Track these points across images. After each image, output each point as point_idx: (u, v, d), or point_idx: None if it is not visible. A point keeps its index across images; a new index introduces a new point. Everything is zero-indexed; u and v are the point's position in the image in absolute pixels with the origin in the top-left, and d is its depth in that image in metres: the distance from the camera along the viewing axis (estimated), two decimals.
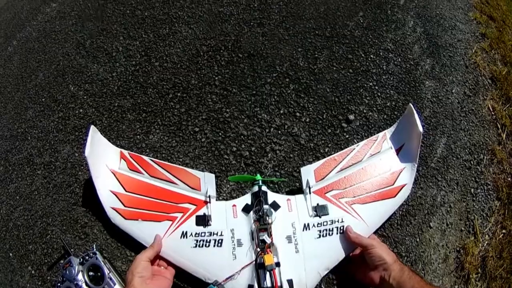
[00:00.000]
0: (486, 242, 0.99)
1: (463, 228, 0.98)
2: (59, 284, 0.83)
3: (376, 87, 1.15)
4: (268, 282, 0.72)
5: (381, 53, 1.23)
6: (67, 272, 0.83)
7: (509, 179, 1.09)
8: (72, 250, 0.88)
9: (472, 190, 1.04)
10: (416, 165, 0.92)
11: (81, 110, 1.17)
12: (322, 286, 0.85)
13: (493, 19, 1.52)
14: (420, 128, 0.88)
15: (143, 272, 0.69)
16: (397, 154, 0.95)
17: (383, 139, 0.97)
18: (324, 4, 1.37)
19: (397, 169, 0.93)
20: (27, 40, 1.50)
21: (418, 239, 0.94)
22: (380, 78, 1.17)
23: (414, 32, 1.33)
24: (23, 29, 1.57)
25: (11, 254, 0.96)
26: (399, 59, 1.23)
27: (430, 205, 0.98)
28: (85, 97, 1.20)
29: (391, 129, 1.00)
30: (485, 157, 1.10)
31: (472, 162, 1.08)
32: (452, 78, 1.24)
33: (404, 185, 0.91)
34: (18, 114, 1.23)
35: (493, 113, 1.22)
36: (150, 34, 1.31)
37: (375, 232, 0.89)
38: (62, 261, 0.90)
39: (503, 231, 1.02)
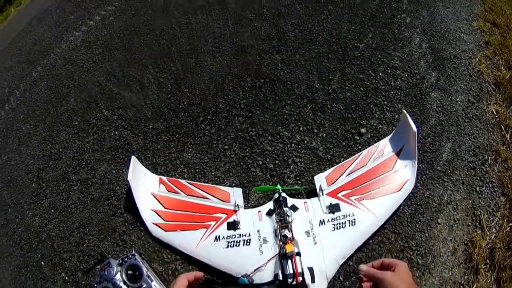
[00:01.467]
0: (494, 235, 1.25)
1: (470, 223, 1.27)
2: (96, 285, 1.08)
3: (385, 102, 1.52)
4: (290, 269, 1.02)
5: (389, 71, 1.61)
6: (106, 272, 1.08)
7: None
8: (109, 255, 1.16)
9: (478, 188, 1.34)
10: (416, 162, 1.25)
11: (116, 132, 1.56)
12: (341, 278, 1.17)
13: (497, 26, 1.86)
14: (414, 128, 1.22)
15: None
16: (398, 155, 1.29)
17: (385, 145, 1.33)
18: (335, 29, 1.77)
19: (399, 167, 1.27)
20: (53, 67, 1.91)
21: (427, 234, 1.23)
22: (389, 93, 1.54)
23: (420, 48, 1.70)
24: (47, 56, 1.97)
25: (43, 263, 1.27)
26: (406, 75, 1.60)
27: (437, 203, 1.30)
28: (119, 120, 1.59)
29: (391, 135, 1.35)
30: (489, 157, 1.41)
31: (476, 163, 1.40)
32: (457, 88, 1.59)
33: (407, 180, 1.24)
34: (50, 136, 1.62)
35: (496, 116, 1.53)
36: (178, 66, 1.72)
37: (385, 226, 1.20)
38: (99, 265, 1.16)
39: (510, 224, 1.27)
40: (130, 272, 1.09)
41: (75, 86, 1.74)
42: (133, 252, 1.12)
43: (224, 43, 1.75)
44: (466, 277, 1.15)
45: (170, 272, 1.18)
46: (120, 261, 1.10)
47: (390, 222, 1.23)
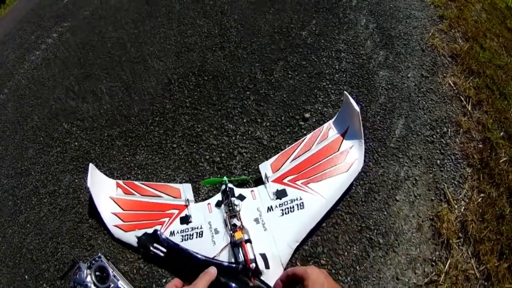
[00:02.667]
0: (463, 207, 1.25)
1: (433, 198, 1.27)
2: None
3: (330, 86, 1.55)
4: (241, 256, 1.05)
5: (333, 55, 1.64)
6: (77, 276, 1.15)
7: (480, 146, 1.38)
8: (80, 261, 1.22)
9: (438, 161, 1.34)
10: (363, 141, 1.27)
11: (76, 143, 1.64)
12: (298, 263, 1.18)
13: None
14: (357, 108, 1.24)
15: None
16: (344, 136, 1.31)
17: (328, 128, 1.36)
18: (278, 20, 1.83)
19: (346, 148, 1.29)
20: (18, 88, 2.02)
21: (385, 213, 1.24)
22: (333, 77, 1.57)
23: (366, 29, 1.73)
24: (12, 78, 2.09)
25: (26, 277, 1.33)
26: (351, 57, 1.63)
27: (393, 180, 1.30)
28: (78, 132, 1.68)
29: (334, 118, 1.38)
30: (449, 129, 1.42)
31: (435, 137, 1.41)
32: (408, 64, 1.61)
33: (355, 160, 1.26)
34: (19, 154, 1.71)
35: (454, 88, 1.54)
36: (128, 74, 1.80)
37: (335, 208, 1.22)
38: (72, 270, 1.23)
39: (482, 195, 1.27)
40: (98, 273, 1.15)
41: (38, 104, 1.84)
42: (99, 254, 1.18)
43: (170, 45, 1.83)
44: (437, 253, 1.15)
45: (135, 271, 1.23)
46: (89, 264, 1.17)
47: (343, 203, 1.25)
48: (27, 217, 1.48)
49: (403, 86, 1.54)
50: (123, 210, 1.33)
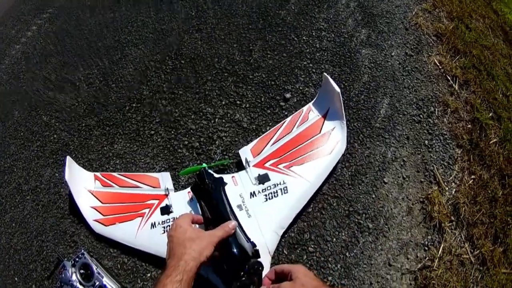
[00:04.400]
0: (454, 189, 1.19)
1: (422, 179, 1.21)
2: None
3: (311, 65, 1.45)
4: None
5: (313, 33, 1.54)
6: (63, 275, 1.07)
7: (469, 126, 1.33)
8: (65, 258, 1.14)
9: (426, 142, 1.27)
10: (344, 122, 1.20)
11: (55, 136, 1.53)
12: (285, 251, 1.11)
13: None
14: (337, 88, 1.16)
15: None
16: (325, 118, 1.23)
17: (309, 110, 1.27)
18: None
19: (327, 129, 1.21)
20: None
21: (373, 196, 1.17)
22: (314, 56, 1.48)
23: (347, 8, 1.63)
24: None
25: (16, 279, 1.24)
26: (333, 35, 1.53)
27: (380, 162, 1.23)
28: (57, 123, 1.57)
29: (314, 100, 1.29)
30: (436, 109, 1.35)
31: (421, 116, 1.33)
32: (391, 42, 1.52)
33: (338, 141, 1.18)
34: (2, 151, 1.60)
35: (440, 67, 1.48)
36: (105, 61, 1.69)
37: (320, 191, 1.15)
38: (57, 269, 1.15)
39: (472, 176, 1.22)
40: (82, 271, 1.08)
41: (18, 99, 1.73)
42: (82, 251, 1.10)
43: (147, 31, 1.72)
44: (429, 237, 1.09)
45: (119, 266, 1.14)
46: (73, 261, 1.09)
47: (329, 187, 1.16)
48: (12, 216, 1.38)
49: (387, 65, 1.45)
50: (102, 203, 1.23)
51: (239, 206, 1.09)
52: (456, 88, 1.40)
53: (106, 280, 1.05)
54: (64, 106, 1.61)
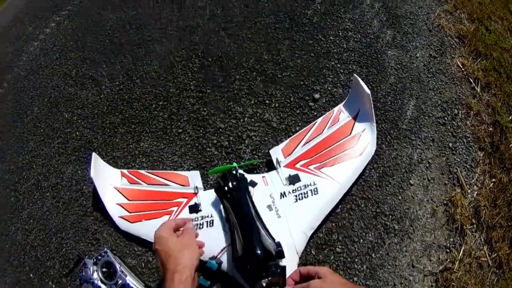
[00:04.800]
0: (476, 192, 1.19)
1: (446, 182, 1.21)
2: None
3: (339, 65, 1.45)
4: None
5: (340, 34, 1.53)
6: (84, 273, 1.05)
7: (491, 129, 1.33)
8: (86, 256, 1.13)
9: (450, 144, 1.27)
10: (374, 124, 1.19)
11: (77, 133, 1.51)
12: (313, 251, 1.11)
13: None
14: (367, 90, 1.15)
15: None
16: (355, 120, 1.23)
17: (339, 112, 1.26)
18: None
19: (358, 131, 1.20)
20: (17, 80, 1.87)
21: (400, 197, 1.17)
22: (342, 56, 1.47)
23: (372, 8, 1.63)
24: (11, 71, 1.95)
25: (31, 275, 1.23)
26: (359, 36, 1.52)
27: (407, 163, 1.22)
28: (79, 120, 1.54)
29: (345, 101, 1.29)
30: (460, 111, 1.35)
31: (446, 118, 1.33)
32: (416, 44, 1.52)
33: (368, 143, 1.18)
34: (20, 147, 1.57)
35: (463, 69, 1.47)
36: (128, 57, 1.67)
37: (349, 193, 1.15)
38: (77, 267, 1.13)
39: (493, 180, 1.22)
40: (105, 269, 1.05)
41: (37, 95, 1.71)
42: (105, 249, 1.07)
43: (171, 28, 1.70)
44: (451, 239, 1.09)
45: (143, 264, 1.13)
46: (95, 259, 1.06)
47: (357, 188, 1.15)
48: (30, 213, 1.35)
49: (412, 66, 1.44)
50: (129, 200, 1.21)
51: (269, 207, 1.08)
52: (478, 90, 1.39)
53: (129, 279, 1.02)
54: (86, 103, 1.58)
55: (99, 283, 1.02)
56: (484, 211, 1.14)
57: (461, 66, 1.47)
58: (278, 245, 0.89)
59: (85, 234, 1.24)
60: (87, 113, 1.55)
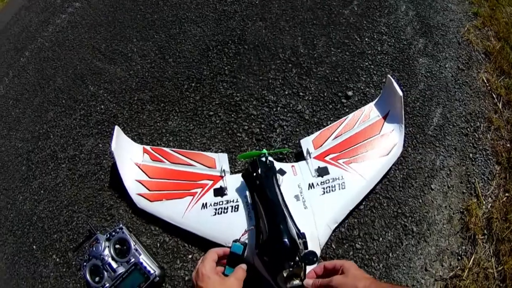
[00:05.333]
0: (490, 204, 1.21)
1: (464, 191, 1.22)
2: (85, 263, 1.00)
3: (372, 66, 1.46)
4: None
5: (375, 36, 1.55)
6: (94, 249, 1.02)
7: (508, 145, 1.34)
8: (98, 231, 1.11)
9: (471, 155, 1.29)
10: (403, 126, 1.20)
11: (102, 107, 1.49)
12: (333, 245, 1.11)
13: None
14: (400, 92, 1.16)
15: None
16: (385, 119, 1.24)
17: (370, 110, 1.27)
18: None
19: (387, 131, 1.21)
20: (40, 50, 1.85)
21: (421, 200, 1.18)
22: (375, 58, 1.48)
23: (406, 15, 1.65)
24: (34, 41, 1.92)
25: (34, 247, 1.21)
26: (393, 40, 1.54)
27: (430, 168, 1.24)
28: (105, 94, 1.53)
29: (376, 100, 1.30)
30: (482, 124, 1.37)
31: (469, 129, 1.35)
32: (445, 55, 1.54)
33: (395, 144, 1.19)
34: (38, 117, 1.55)
35: (487, 84, 1.49)
36: (161, 35, 1.66)
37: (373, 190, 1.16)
38: (88, 242, 1.12)
39: (506, 194, 1.23)
40: (118, 246, 1.03)
41: (61, 66, 1.68)
42: (121, 225, 1.05)
43: (208, 10, 1.69)
44: (463, 247, 1.10)
45: (158, 244, 1.11)
46: (108, 235, 1.04)
47: (382, 187, 1.17)
48: (42, 183, 1.33)
49: (441, 76, 1.46)
50: (149, 177, 1.18)
51: (296, 196, 1.07)
52: (500, 107, 1.41)
53: (143, 258, 1.00)
54: (114, 78, 1.57)
55: (110, 260, 1.00)
56: (495, 224, 1.15)
57: (485, 81, 1.49)
58: (303, 236, 0.89)
59: (100, 209, 1.21)
60: (114, 88, 1.53)
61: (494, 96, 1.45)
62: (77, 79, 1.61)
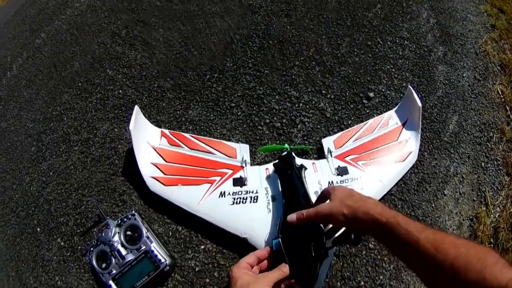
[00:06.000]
0: (498, 214, 1.23)
1: (475, 198, 1.24)
2: (92, 249, 0.97)
3: (393, 70, 1.47)
4: None
5: (397, 41, 1.57)
6: (103, 234, 1.00)
7: None
8: (108, 217, 1.09)
9: (483, 164, 1.31)
10: (419, 135, 1.22)
11: (120, 91, 1.48)
12: (346, 244, 1.10)
13: (503, 12, 1.85)
14: (419, 103, 1.19)
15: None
16: (403, 127, 1.26)
17: (389, 117, 1.29)
18: None
19: (404, 139, 1.23)
20: (57, 33, 1.83)
21: (433, 205, 1.20)
22: (397, 62, 1.50)
23: (427, 23, 1.67)
24: (51, 23, 1.90)
25: (38, 229, 1.18)
26: (414, 46, 1.56)
27: (444, 174, 1.26)
28: (123, 79, 1.52)
29: (396, 108, 1.32)
30: (494, 135, 1.39)
31: (482, 139, 1.37)
32: (463, 64, 1.56)
33: (411, 152, 1.21)
34: (52, 98, 1.54)
35: (502, 96, 1.51)
36: (187, 26, 1.66)
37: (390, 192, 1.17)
38: (97, 227, 1.10)
39: None
40: (129, 233, 1.01)
41: (79, 50, 1.67)
42: (133, 212, 1.04)
43: (233, 4, 1.70)
44: None
45: (170, 233, 1.10)
46: (119, 221, 1.02)
47: (397, 189, 1.18)
48: (51, 165, 1.31)
49: (459, 84, 1.48)
50: (166, 161, 1.15)
51: (316, 193, 1.08)
52: None
53: (154, 246, 0.98)
54: (134, 63, 1.56)
55: (119, 246, 0.98)
56: (502, 233, 1.17)
57: (500, 93, 1.51)
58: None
59: (112, 194, 1.19)
60: (134, 74, 1.52)
61: (508, 108, 1.47)
62: (95, 63, 1.60)
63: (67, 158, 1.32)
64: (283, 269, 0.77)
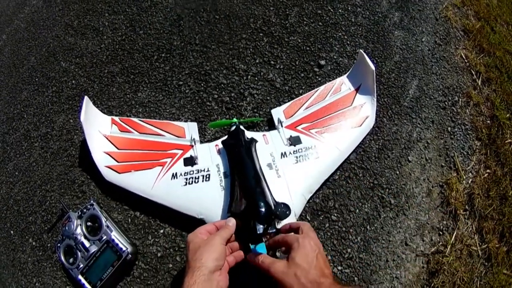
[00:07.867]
0: (470, 179, 1.18)
1: (443, 164, 1.19)
2: (59, 244, 0.97)
3: (346, 37, 1.41)
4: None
5: (349, 8, 1.50)
6: (66, 228, 0.99)
7: (488, 121, 1.32)
8: (70, 209, 1.06)
9: (449, 128, 1.26)
10: (375, 100, 1.17)
11: (73, 82, 1.43)
12: (308, 217, 1.07)
13: None
14: (372, 66, 1.13)
15: (219, 260, 0.69)
16: (356, 92, 1.20)
17: (341, 83, 1.23)
18: None
19: (358, 103, 1.18)
20: (16, 32, 1.78)
21: (397, 172, 1.15)
22: (349, 29, 1.44)
23: None
24: (11, 24, 1.85)
25: (12, 232, 1.15)
26: (367, 13, 1.50)
27: (406, 140, 1.21)
28: (76, 69, 1.47)
29: (347, 73, 1.27)
30: (460, 99, 1.33)
31: (446, 103, 1.31)
32: (422, 29, 1.50)
33: (367, 116, 1.16)
34: (13, 97, 1.49)
35: (466, 61, 1.45)
36: (133, 8, 1.60)
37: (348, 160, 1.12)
38: (61, 221, 1.07)
39: (488, 170, 1.21)
40: (89, 223, 0.99)
41: (35, 45, 1.62)
42: (92, 201, 1.01)
43: None
44: (444, 222, 1.07)
45: (129, 220, 1.06)
46: (79, 213, 1.00)
47: (356, 157, 1.13)
48: (16, 164, 1.28)
49: (417, 49, 1.42)
50: (118, 149, 1.12)
51: (269, 165, 1.03)
52: (479, 83, 1.39)
53: (114, 235, 0.96)
54: (85, 52, 1.51)
55: (82, 239, 0.96)
56: (477, 200, 1.12)
57: (464, 58, 1.46)
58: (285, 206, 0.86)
59: (71, 186, 1.16)
60: (85, 62, 1.47)
61: (473, 72, 1.42)
62: (49, 56, 1.56)
63: (30, 155, 1.28)
64: (229, 224, 0.80)
